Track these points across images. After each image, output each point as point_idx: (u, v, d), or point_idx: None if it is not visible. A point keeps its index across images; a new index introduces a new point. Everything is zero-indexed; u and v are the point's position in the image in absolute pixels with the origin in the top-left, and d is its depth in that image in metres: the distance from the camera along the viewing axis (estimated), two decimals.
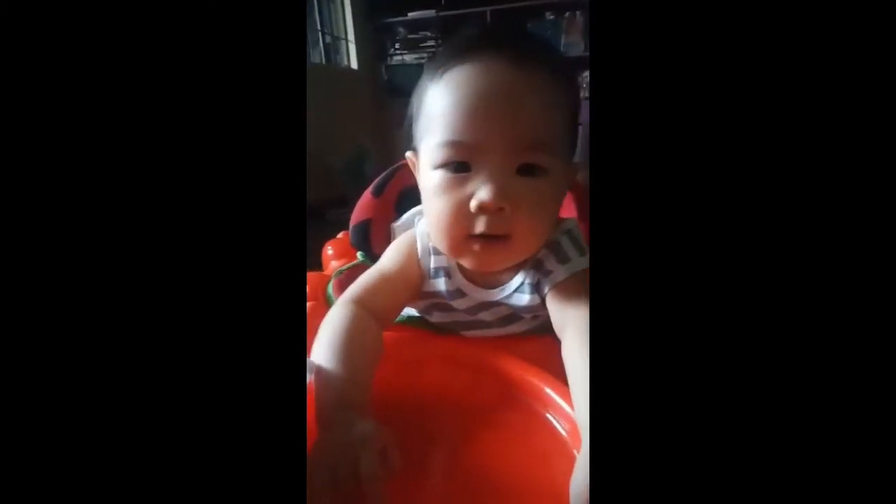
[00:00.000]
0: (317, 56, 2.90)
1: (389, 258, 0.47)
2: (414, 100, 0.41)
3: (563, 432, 0.35)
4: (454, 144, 0.36)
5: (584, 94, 2.80)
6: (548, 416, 0.36)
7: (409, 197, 0.61)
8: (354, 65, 3.10)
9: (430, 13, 2.86)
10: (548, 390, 0.37)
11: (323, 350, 0.37)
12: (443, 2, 2.81)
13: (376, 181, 0.66)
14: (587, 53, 2.71)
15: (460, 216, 0.37)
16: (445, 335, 0.48)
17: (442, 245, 0.41)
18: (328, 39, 2.97)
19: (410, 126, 0.42)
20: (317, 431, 0.31)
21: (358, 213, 0.65)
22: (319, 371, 0.35)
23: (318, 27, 2.87)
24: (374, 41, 3.17)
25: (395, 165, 0.65)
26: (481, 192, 0.36)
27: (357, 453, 0.27)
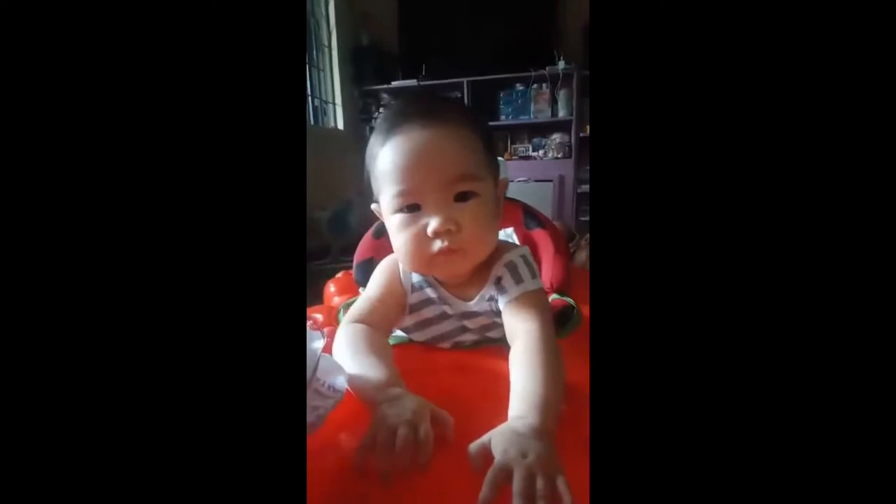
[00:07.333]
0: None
1: (375, 283, 0.57)
2: (368, 161, 0.53)
3: None
4: (405, 192, 0.48)
5: (554, 153, 3.03)
6: None
7: None
8: (341, 126, 3.29)
9: (412, 82, 3.12)
10: None
11: (349, 358, 0.46)
12: (423, 73, 3.08)
13: (375, 226, 0.78)
14: (553, 119, 3.00)
15: (421, 242, 0.48)
16: (440, 349, 0.57)
17: (412, 266, 0.53)
18: (316, 103, 3.17)
19: (369, 183, 0.54)
20: (371, 411, 0.37)
21: (360, 253, 0.77)
22: (353, 375, 0.42)
23: (308, 92, 3.07)
24: (360, 105, 3.39)
25: None
26: (433, 223, 0.47)
27: (416, 420, 0.34)
